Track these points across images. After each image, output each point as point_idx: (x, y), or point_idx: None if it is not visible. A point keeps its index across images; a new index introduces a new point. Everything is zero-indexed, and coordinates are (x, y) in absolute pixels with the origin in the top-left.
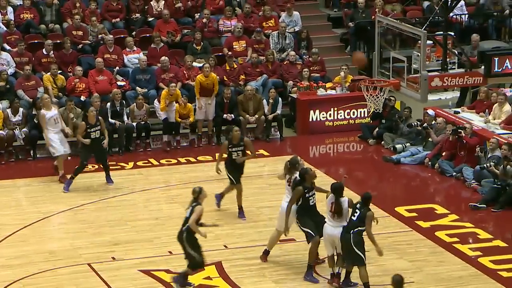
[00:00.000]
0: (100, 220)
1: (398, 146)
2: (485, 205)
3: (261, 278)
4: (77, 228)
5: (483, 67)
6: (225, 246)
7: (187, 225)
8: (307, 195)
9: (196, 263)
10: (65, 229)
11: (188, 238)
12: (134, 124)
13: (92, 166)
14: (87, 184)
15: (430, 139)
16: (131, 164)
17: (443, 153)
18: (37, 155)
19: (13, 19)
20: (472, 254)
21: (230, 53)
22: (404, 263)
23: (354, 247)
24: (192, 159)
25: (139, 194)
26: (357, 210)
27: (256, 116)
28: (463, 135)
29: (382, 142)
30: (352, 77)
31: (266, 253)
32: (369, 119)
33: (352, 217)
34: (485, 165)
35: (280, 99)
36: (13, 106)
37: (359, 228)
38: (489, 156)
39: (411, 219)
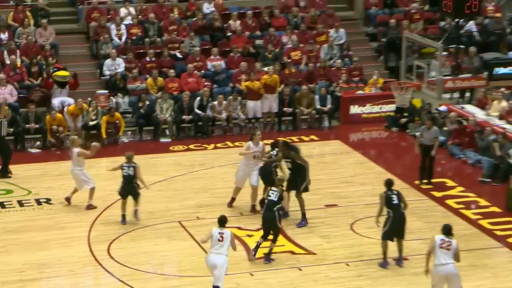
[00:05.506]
0: (187, 188)
1: (417, 134)
2: (490, 179)
3: None
4: (170, 194)
5: (486, 72)
6: None
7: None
8: None
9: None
10: (161, 195)
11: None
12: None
13: (183, 147)
14: (178, 160)
15: (445, 128)
16: (212, 145)
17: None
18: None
19: (125, 34)
20: (474, 217)
21: (289, 60)
22: (421, 224)
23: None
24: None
25: (218, 168)
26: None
27: (309, 110)
28: (465, 124)
29: (407, 130)
30: (383, 80)
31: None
32: (394, 113)
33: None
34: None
35: (329, 96)
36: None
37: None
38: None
39: (427, 190)
